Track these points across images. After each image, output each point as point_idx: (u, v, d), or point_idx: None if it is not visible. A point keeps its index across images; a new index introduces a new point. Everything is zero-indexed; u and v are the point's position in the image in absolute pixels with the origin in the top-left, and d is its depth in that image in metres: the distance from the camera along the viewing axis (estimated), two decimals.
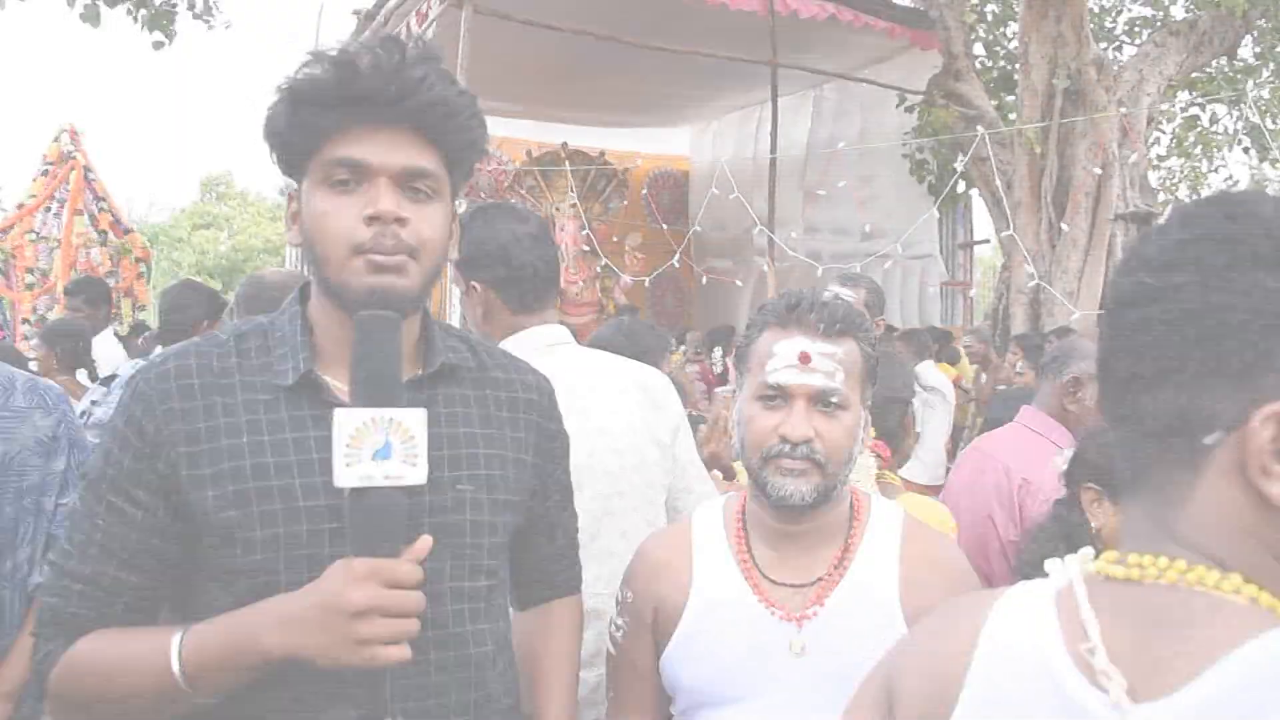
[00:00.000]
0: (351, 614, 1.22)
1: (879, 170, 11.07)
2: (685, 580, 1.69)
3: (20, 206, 10.75)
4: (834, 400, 1.62)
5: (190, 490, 1.34)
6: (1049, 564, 0.97)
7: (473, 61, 7.61)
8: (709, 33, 8.99)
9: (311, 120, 1.35)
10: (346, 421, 1.23)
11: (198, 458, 1.34)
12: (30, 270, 10.27)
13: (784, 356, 1.63)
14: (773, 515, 1.66)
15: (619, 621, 1.78)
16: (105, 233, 10.74)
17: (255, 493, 1.33)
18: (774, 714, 1.60)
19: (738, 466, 3.24)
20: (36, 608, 1.50)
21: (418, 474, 1.26)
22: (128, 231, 11.20)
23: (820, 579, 1.64)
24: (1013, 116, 9.38)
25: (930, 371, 7.37)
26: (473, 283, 2.32)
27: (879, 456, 2.57)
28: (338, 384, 1.39)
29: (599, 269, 11.37)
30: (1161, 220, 0.89)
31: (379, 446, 1.24)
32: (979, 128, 8.65)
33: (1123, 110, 8.46)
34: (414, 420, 1.26)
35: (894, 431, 2.71)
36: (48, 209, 10.49)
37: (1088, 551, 0.95)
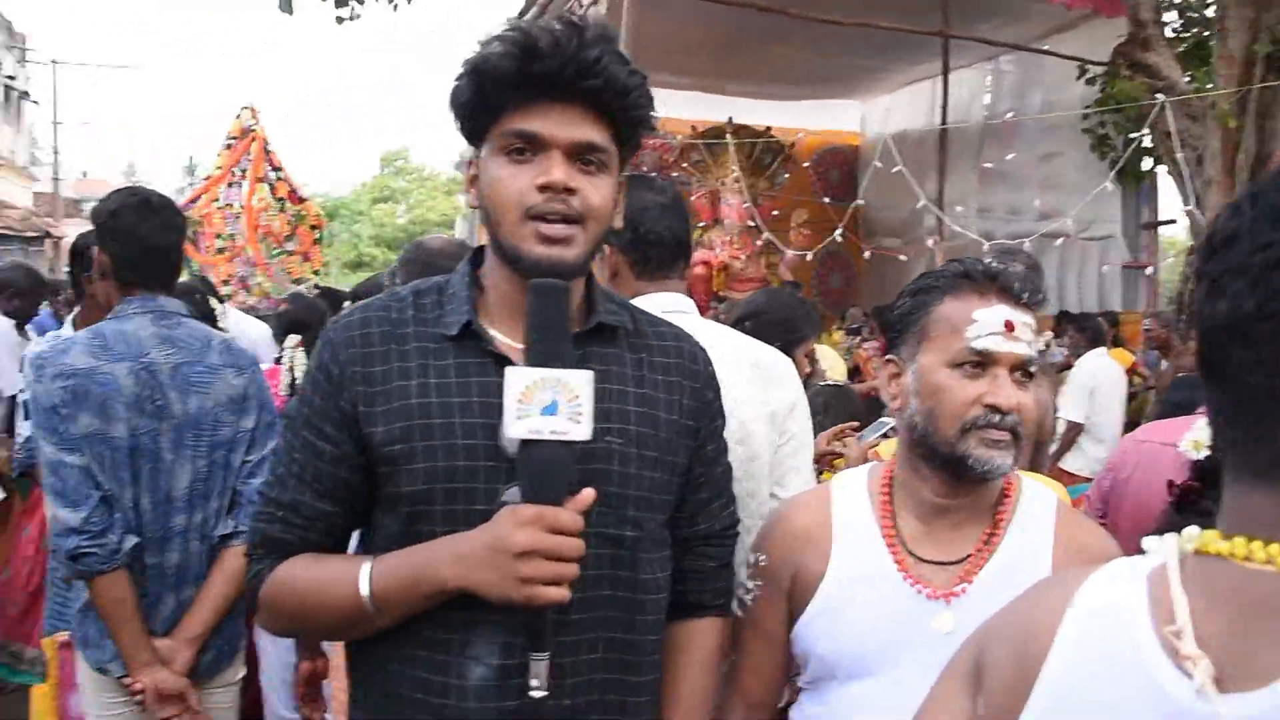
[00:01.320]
0: (515, 554, 1.35)
1: (1058, 146, 10.55)
2: (826, 549, 1.68)
3: (208, 178, 11.51)
4: (1032, 370, 1.61)
5: (367, 425, 1.51)
6: (1146, 541, 0.90)
7: (637, 36, 7.60)
8: (878, 4, 8.71)
9: (493, 95, 1.47)
10: (518, 379, 1.37)
11: (373, 396, 1.51)
12: (219, 235, 10.99)
13: (988, 323, 1.59)
14: (942, 489, 1.64)
15: (749, 585, 1.77)
16: (283, 200, 11.40)
17: (419, 429, 1.49)
18: (911, 689, 1.55)
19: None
20: (247, 534, 1.72)
21: (582, 430, 1.38)
22: (303, 200, 11.86)
23: (968, 556, 1.62)
24: (1207, 87, 8.77)
25: (1094, 359, 7.04)
26: (603, 245, 2.38)
27: None
28: (501, 337, 1.55)
29: (761, 244, 11.25)
30: None
31: (546, 404, 1.37)
32: (1165, 98, 8.13)
33: None
34: (580, 381, 1.39)
35: None
36: (231, 180, 11.19)
37: (1192, 530, 0.86)
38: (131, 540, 2.49)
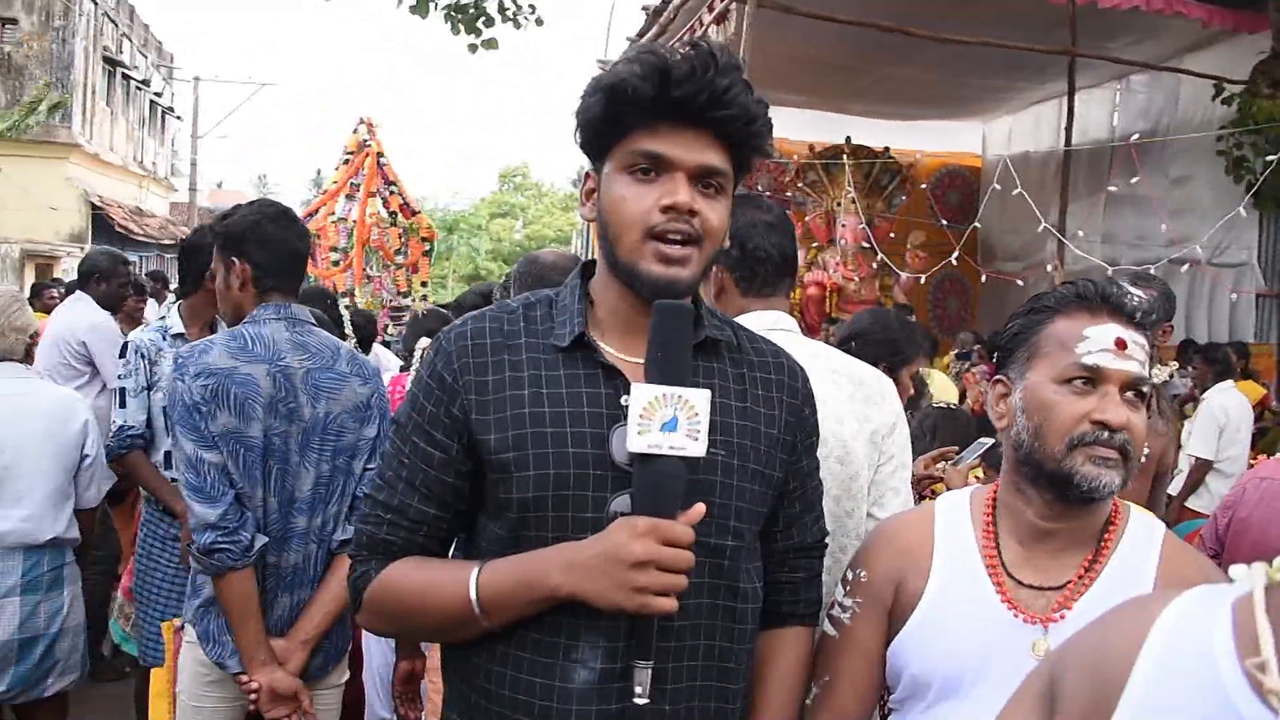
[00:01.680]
0: (631, 564, 1.39)
1: (1190, 170, 10.15)
2: (926, 567, 1.68)
3: (325, 192, 11.88)
4: (1144, 390, 1.60)
5: (479, 432, 1.54)
6: (1235, 569, 0.88)
7: (755, 54, 7.61)
8: (1001, 22, 8.54)
9: (625, 115, 1.51)
10: (641, 395, 1.42)
11: (485, 405, 1.55)
12: (334, 249, 11.33)
13: (1099, 340, 1.59)
14: (1045, 510, 1.62)
15: (846, 603, 1.76)
16: (395, 213, 11.69)
17: (531, 437, 1.52)
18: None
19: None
20: (353, 536, 1.71)
21: (699, 447, 1.43)
22: (415, 213, 12.14)
23: (1069, 583, 1.60)
24: None
25: (1222, 392, 6.76)
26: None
27: None
28: (611, 349, 1.58)
29: (877, 266, 11.13)
30: None
31: (667, 420, 1.41)
32: None
33: None
34: (699, 399, 1.43)
35: None
36: (347, 194, 11.53)
37: None
38: (262, 539, 2.58)
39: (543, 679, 1.51)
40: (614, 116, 1.51)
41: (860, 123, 12.08)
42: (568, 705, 1.49)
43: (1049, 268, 9.37)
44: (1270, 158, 8.15)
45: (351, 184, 11.65)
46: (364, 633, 3.32)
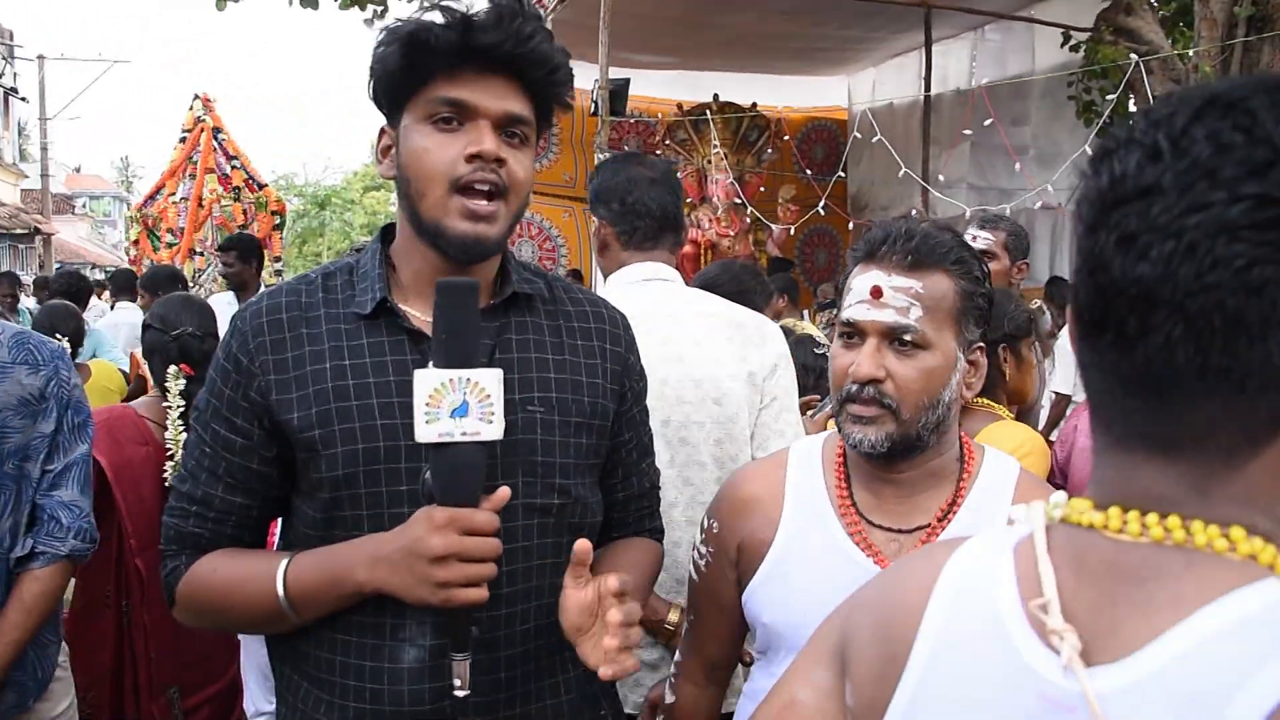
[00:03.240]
0: (431, 559, 1.34)
1: (1045, 114, 10.50)
2: (775, 516, 1.65)
3: (163, 174, 11.53)
4: (907, 338, 1.52)
5: (281, 412, 1.48)
6: (1013, 510, 0.86)
7: (618, 15, 7.56)
8: None
9: (423, 62, 1.45)
10: (425, 381, 1.34)
11: (286, 383, 1.49)
12: (170, 230, 10.96)
13: (858, 291, 1.56)
14: (867, 463, 1.60)
15: (703, 549, 1.75)
16: (239, 189, 11.32)
17: (336, 412, 1.47)
18: None
19: None
20: (162, 529, 1.60)
21: (494, 430, 1.36)
22: (262, 186, 11.80)
23: (922, 528, 1.58)
24: (1190, 51, 8.73)
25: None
26: (595, 218, 2.52)
27: None
28: (416, 313, 1.53)
29: (749, 221, 11.21)
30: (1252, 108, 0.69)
31: (456, 405, 1.34)
32: (1144, 59, 8.09)
33: None
34: (490, 380, 1.36)
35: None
36: (191, 174, 11.17)
37: (1059, 498, 0.83)
38: None
39: (371, 661, 1.46)
40: (413, 64, 1.46)
41: (727, 79, 12.09)
42: (399, 686, 1.46)
43: (913, 214, 9.57)
44: (1111, 97, 8.45)
45: (190, 162, 11.29)
46: None
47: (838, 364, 1.59)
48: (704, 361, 2.29)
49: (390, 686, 1.46)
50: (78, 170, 54.71)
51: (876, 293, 1.54)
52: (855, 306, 1.56)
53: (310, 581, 1.45)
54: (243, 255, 6.46)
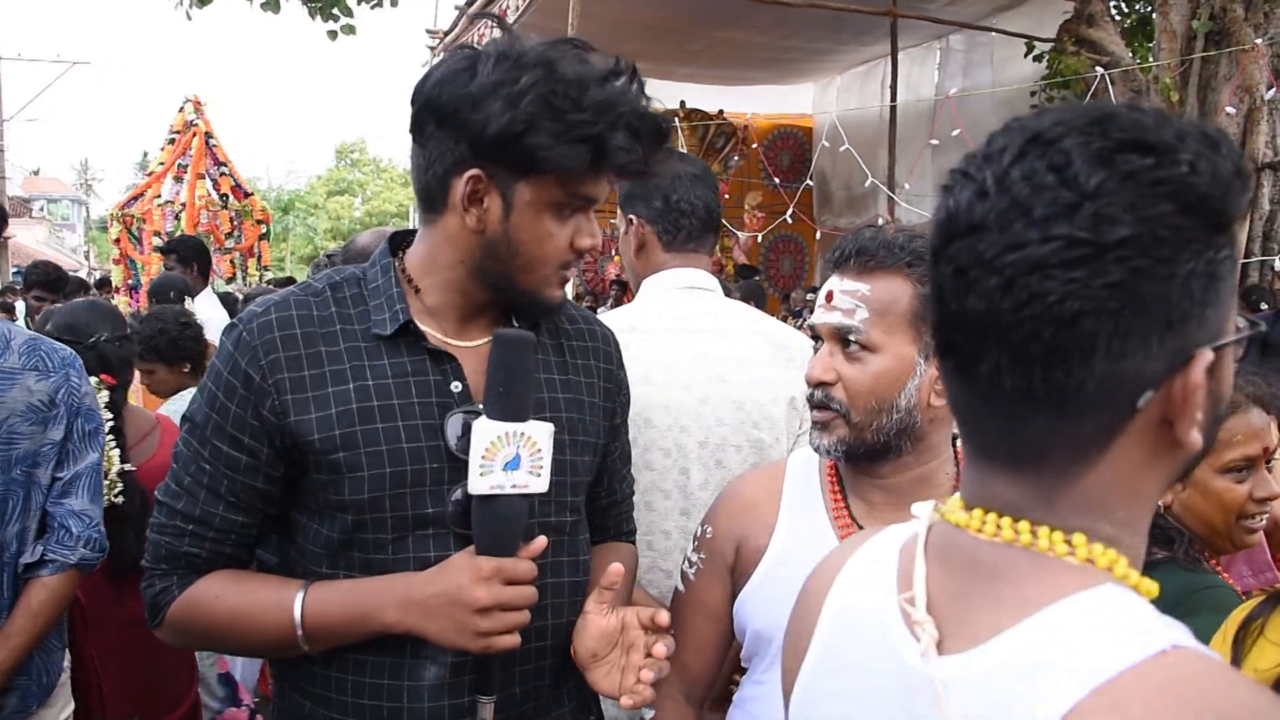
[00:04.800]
0: (475, 609, 1.34)
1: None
2: (771, 521, 1.64)
3: (150, 175, 11.30)
4: (852, 339, 1.52)
5: (301, 434, 1.41)
6: (915, 507, 0.93)
7: (585, 20, 7.56)
8: None
9: (575, 159, 1.35)
10: (484, 434, 1.35)
11: (304, 403, 1.42)
12: (157, 234, 10.79)
13: (819, 298, 1.58)
14: (850, 471, 1.61)
15: (694, 558, 1.74)
16: (226, 196, 11.21)
17: (362, 435, 1.42)
18: None
19: None
20: (146, 546, 1.51)
21: (541, 483, 1.38)
22: (248, 195, 11.67)
23: None
24: (1151, 63, 8.87)
25: None
26: (630, 216, 2.36)
27: None
28: (435, 333, 1.49)
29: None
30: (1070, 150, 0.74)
31: (510, 459, 1.35)
32: (1107, 71, 8.21)
33: (1271, 42, 7.89)
34: (543, 434, 1.38)
35: None
36: (175, 176, 10.99)
37: (955, 498, 0.89)
38: None
39: (390, 680, 1.44)
40: (562, 155, 1.35)
41: (694, 87, 12.14)
42: (419, 704, 1.44)
43: (879, 221, 9.64)
44: None
45: (179, 165, 11.07)
46: None
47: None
48: (746, 383, 2.20)
49: (410, 705, 1.44)
50: (36, 173, 53.96)
51: (829, 297, 1.56)
52: (816, 312, 1.59)
53: (333, 617, 1.41)
54: (184, 259, 6.24)
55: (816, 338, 1.58)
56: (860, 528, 1.58)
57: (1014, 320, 0.73)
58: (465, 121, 1.36)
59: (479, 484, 1.35)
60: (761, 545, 1.64)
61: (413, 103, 1.43)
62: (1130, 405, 0.74)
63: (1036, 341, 0.73)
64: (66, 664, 2.51)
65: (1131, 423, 0.76)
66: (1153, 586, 0.78)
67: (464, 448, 1.40)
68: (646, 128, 1.38)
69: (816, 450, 1.57)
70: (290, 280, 7.58)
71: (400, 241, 1.58)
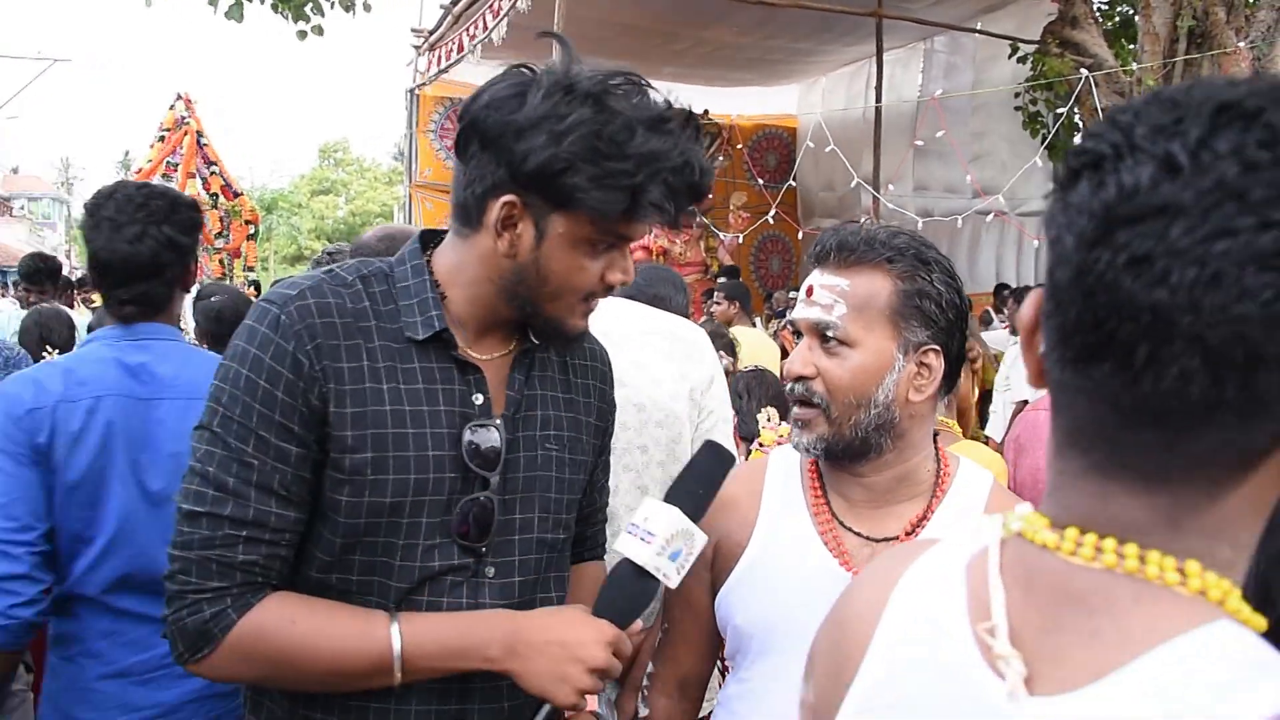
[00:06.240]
0: (590, 668, 1.39)
1: (991, 124, 10.67)
2: (752, 518, 1.64)
3: (139, 172, 11.22)
4: (830, 334, 1.52)
5: (336, 427, 1.37)
6: (984, 520, 0.84)
7: (570, 21, 7.55)
8: None
9: (610, 206, 1.34)
10: (673, 522, 1.43)
11: (343, 396, 1.38)
12: None
13: (800, 293, 1.58)
14: (832, 468, 1.61)
15: None
16: (216, 195, 11.15)
17: (392, 439, 1.39)
18: None
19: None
20: (183, 567, 1.37)
21: (674, 581, 1.44)
22: (237, 195, 11.62)
23: (893, 538, 1.56)
24: (1133, 65, 8.91)
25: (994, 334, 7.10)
26: None
27: None
28: (461, 342, 1.47)
29: (699, 228, 11.25)
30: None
31: (676, 550, 1.43)
32: (1091, 73, 8.25)
33: (1252, 46, 7.94)
34: (701, 542, 1.45)
35: None
36: (164, 174, 10.90)
37: (1023, 510, 0.79)
38: None
39: (438, 704, 1.47)
40: (625, 214, 1.36)
41: (679, 88, 11.95)
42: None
43: (863, 220, 9.66)
44: (1060, 110, 8.61)
45: (168, 163, 11.01)
46: None
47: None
48: (646, 384, 2.21)
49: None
50: (15, 171, 53.56)
51: (809, 291, 1.56)
52: (797, 307, 1.59)
53: (429, 649, 1.39)
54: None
55: (798, 332, 1.58)
56: (842, 525, 1.58)
57: (1218, 320, 0.62)
58: (508, 149, 1.34)
59: (645, 554, 1.41)
60: (741, 542, 1.63)
61: (460, 118, 1.41)
62: None
63: (1241, 345, 0.62)
64: (26, 680, 2.36)
65: None
66: (1261, 622, 0.70)
67: (479, 461, 1.43)
68: (683, 184, 1.37)
69: (796, 448, 1.57)
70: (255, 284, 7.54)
71: (428, 240, 1.55)
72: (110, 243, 2.11)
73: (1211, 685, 0.64)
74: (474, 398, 1.46)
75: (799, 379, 1.53)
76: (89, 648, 2.06)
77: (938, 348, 1.54)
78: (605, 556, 1.84)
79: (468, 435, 1.43)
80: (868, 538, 1.57)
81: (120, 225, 2.11)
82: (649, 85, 1.39)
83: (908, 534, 1.56)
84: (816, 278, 1.55)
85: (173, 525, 1.40)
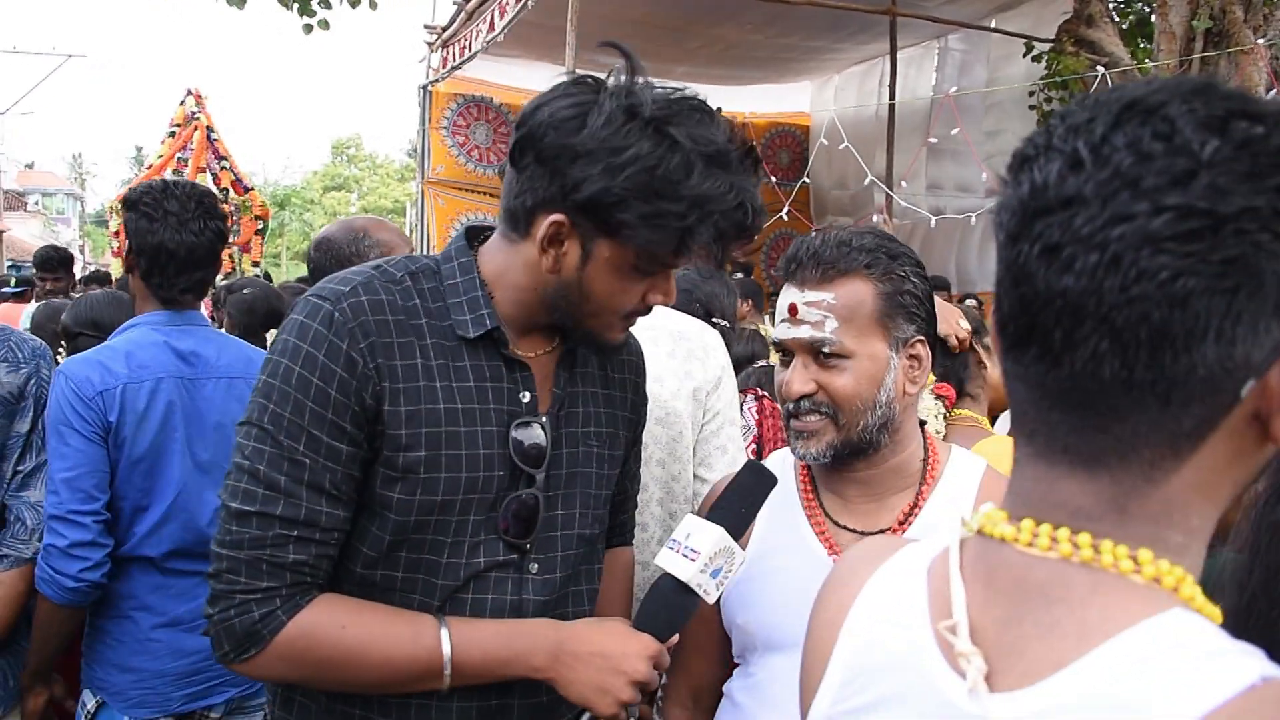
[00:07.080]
0: (631, 680, 1.42)
1: (1005, 123, 10.60)
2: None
3: (149, 168, 11.25)
4: (827, 350, 1.53)
5: (390, 425, 1.38)
6: (944, 521, 0.88)
7: (584, 17, 7.53)
8: None
9: (657, 244, 1.36)
10: (719, 540, 1.46)
11: (397, 394, 1.38)
12: None
13: (780, 311, 1.58)
14: (825, 470, 1.63)
15: None
16: (227, 190, 11.17)
17: (445, 437, 1.40)
18: None
19: None
20: (231, 567, 1.36)
21: (711, 598, 1.47)
22: (248, 190, 11.63)
23: (887, 530, 1.59)
24: (1149, 64, 8.86)
25: None
26: None
27: (941, 399, 2.44)
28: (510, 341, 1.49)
29: None
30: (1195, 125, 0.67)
31: (717, 567, 1.47)
32: (1107, 71, 8.20)
33: (1270, 44, 7.88)
34: (740, 560, 1.49)
35: (955, 371, 2.57)
36: (174, 170, 10.93)
37: (986, 506, 0.80)
38: None
39: (479, 700, 1.48)
40: (675, 248, 1.38)
41: (692, 86, 12.07)
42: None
43: (876, 219, 9.65)
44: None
45: (179, 158, 11.03)
46: None
47: (778, 382, 1.61)
48: (649, 381, 2.22)
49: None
50: (30, 166, 53.78)
51: (793, 310, 1.56)
52: (779, 326, 1.59)
53: (475, 656, 1.41)
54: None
55: (785, 352, 1.58)
56: (835, 523, 1.61)
57: (1119, 300, 0.66)
58: (562, 172, 1.34)
59: (688, 571, 1.44)
60: (743, 541, 1.66)
61: (518, 126, 1.40)
62: (1234, 395, 0.68)
63: (1144, 323, 0.66)
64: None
65: (1228, 416, 0.69)
66: (1215, 611, 0.72)
67: (525, 459, 1.45)
68: (733, 226, 1.36)
69: (802, 458, 1.59)
70: (267, 276, 7.53)
71: (474, 236, 1.56)
72: (178, 234, 2.33)
73: (1165, 676, 0.66)
74: (521, 395, 1.48)
75: (803, 397, 1.55)
76: (143, 601, 2.31)
77: (923, 338, 1.59)
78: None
79: (514, 433, 1.45)
80: (861, 532, 1.59)
81: (185, 220, 2.35)
82: (714, 112, 1.40)
83: (899, 524, 1.59)
84: (797, 295, 1.55)
85: (216, 494, 1.44)
